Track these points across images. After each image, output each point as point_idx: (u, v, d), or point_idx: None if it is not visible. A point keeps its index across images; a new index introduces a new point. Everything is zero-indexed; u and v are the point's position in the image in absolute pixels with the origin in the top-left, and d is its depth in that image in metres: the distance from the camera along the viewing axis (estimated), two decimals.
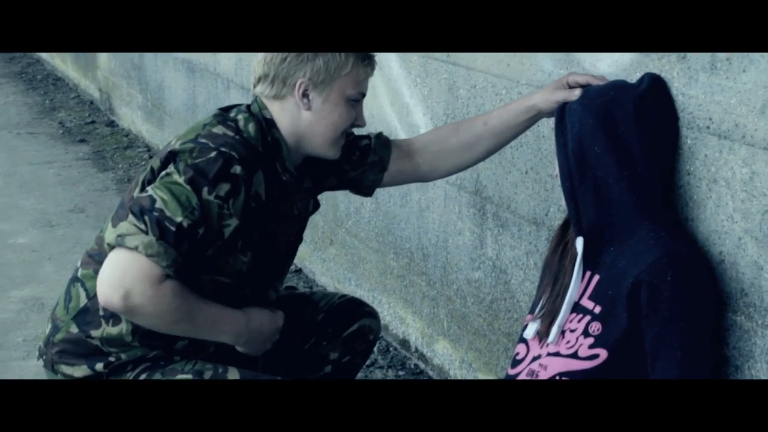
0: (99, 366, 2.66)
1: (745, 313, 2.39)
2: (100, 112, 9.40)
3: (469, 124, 2.92)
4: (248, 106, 2.72)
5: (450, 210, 3.75)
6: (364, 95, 2.75)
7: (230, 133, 2.60)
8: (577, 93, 2.59)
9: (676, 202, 2.56)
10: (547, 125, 3.07)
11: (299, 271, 5.30)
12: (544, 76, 3.07)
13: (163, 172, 2.55)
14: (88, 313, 2.67)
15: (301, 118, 2.67)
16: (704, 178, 2.47)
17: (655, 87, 2.51)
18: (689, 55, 2.47)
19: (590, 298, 2.45)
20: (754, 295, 2.36)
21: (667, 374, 2.34)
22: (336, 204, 4.74)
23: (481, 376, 3.68)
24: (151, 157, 6.73)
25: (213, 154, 2.53)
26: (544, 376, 2.48)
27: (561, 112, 2.56)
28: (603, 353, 2.39)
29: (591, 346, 2.41)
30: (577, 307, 2.47)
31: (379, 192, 4.25)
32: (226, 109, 2.73)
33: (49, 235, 5.84)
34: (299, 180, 2.74)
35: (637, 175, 2.44)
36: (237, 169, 2.52)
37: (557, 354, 2.46)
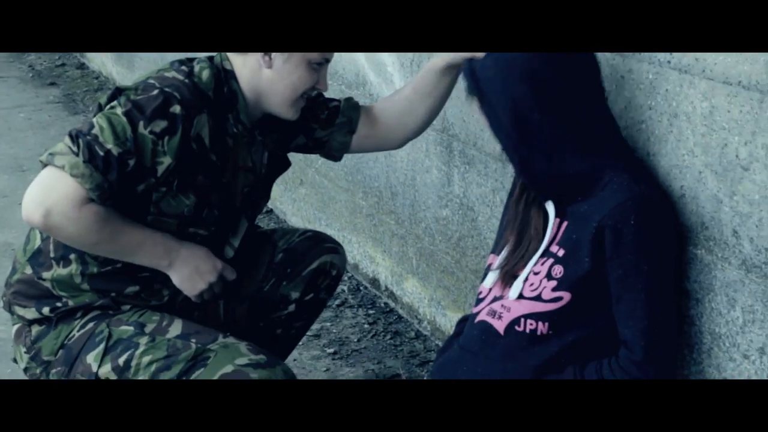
0: (46, 310, 2.69)
1: (705, 247, 2.41)
2: (70, 54, 9.33)
3: (402, 93, 2.95)
4: (211, 57, 2.72)
5: (418, 148, 3.75)
6: (328, 60, 2.72)
7: (180, 77, 2.61)
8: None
9: (638, 138, 2.57)
10: None
11: (270, 211, 5.31)
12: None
13: (108, 106, 2.58)
14: (41, 255, 2.70)
15: (262, 75, 2.66)
16: (665, 112, 2.48)
17: None
18: None
19: (558, 243, 2.46)
20: (714, 228, 2.38)
21: (631, 315, 2.36)
22: None
23: (450, 314, 3.70)
24: None
25: (155, 92, 2.55)
26: (507, 317, 2.49)
27: (473, 78, 2.49)
28: (566, 296, 2.41)
29: (554, 289, 2.43)
30: (544, 252, 2.49)
31: None
32: (190, 59, 2.72)
33: (20, 180, 5.82)
34: (252, 133, 2.74)
35: (582, 127, 2.41)
36: (176, 108, 2.53)
37: (521, 296, 2.48)
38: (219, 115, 2.64)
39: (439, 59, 2.81)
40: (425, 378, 3.63)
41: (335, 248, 3.10)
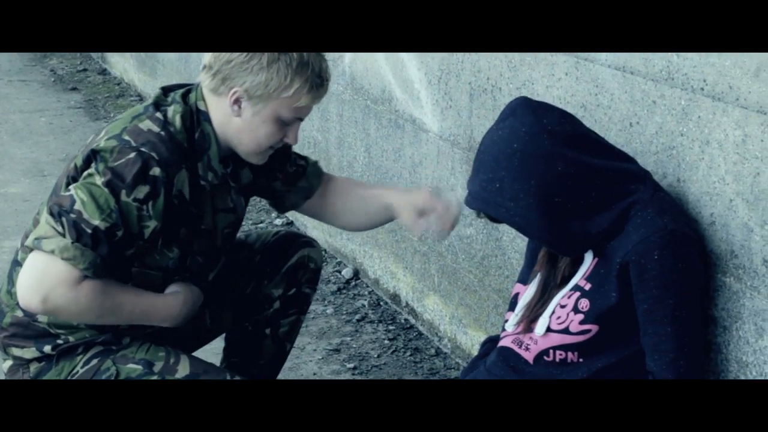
0: (47, 348, 2.67)
1: (735, 275, 2.41)
2: (92, 60, 9.36)
3: (359, 191, 2.99)
4: (186, 93, 2.67)
5: (443, 165, 3.75)
6: (301, 119, 2.67)
7: (155, 129, 2.56)
8: (432, 220, 2.71)
9: (668, 164, 2.56)
10: (541, 81, 3.08)
11: (290, 223, 5.31)
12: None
13: (86, 172, 2.54)
14: None
15: (231, 122, 2.61)
16: (697, 139, 2.48)
17: (526, 105, 2.44)
18: None
19: (586, 278, 2.46)
20: (744, 256, 2.38)
21: (657, 348, 2.37)
22: (329, 158, 4.74)
23: (471, 332, 3.70)
24: None
25: (132, 155, 2.50)
26: (535, 349, 2.50)
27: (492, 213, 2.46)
28: (594, 328, 2.42)
29: (582, 322, 2.43)
30: (572, 287, 2.48)
31: (372, 146, 4.26)
32: (168, 90, 2.69)
33: (41, 185, 5.82)
34: (225, 179, 2.69)
35: (597, 184, 2.39)
36: (156, 171, 2.50)
37: (548, 330, 2.48)
38: (194, 166, 2.61)
39: (397, 203, 2.87)
40: None
41: (310, 242, 3.11)
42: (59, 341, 2.66)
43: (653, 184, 2.45)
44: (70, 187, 2.53)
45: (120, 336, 2.69)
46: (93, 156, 2.55)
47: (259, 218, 5.45)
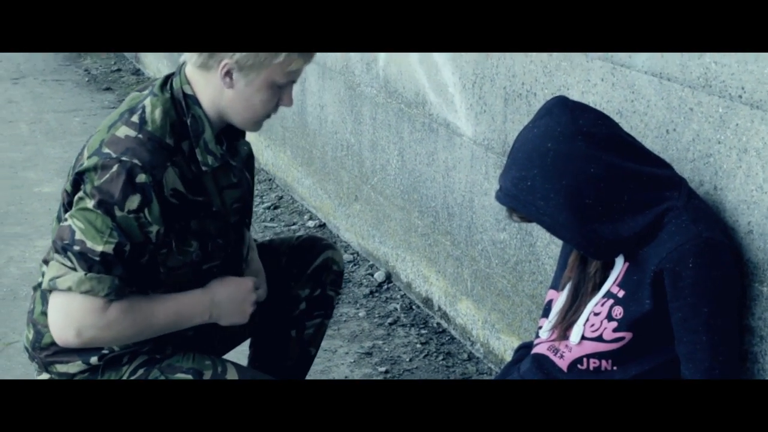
0: (93, 359, 2.65)
1: None
2: (125, 59, 9.40)
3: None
4: (165, 81, 2.63)
5: (477, 170, 3.75)
6: (294, 81, 2.64)
7: (132, 134, 2.53)
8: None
9: (705, 171, 2.55)
10: (577, 87, 3.06)
11: (323, 225, 5.31)
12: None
13: (76, 197, 2.53)
14: None
15: (224, 94, 2.58)
16: (735, 147, 2.46)
17: (563, 104, 2.43)
18: None
19: (618, 284, 2.44)
20: None
21: (692, 357, 2.35)
22: (362, 160, 4.74)
23: (504, 337, 3.69)
24: None
25: (115, 167, 2.47)
26: (569, 356, 2.49)
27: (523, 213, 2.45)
28: (628, 335, 2.41)
29: (615, 330, 2.42)
30: (605, 293, 2.47)
31: (405, 150, 4.26)
32: (142, 89, 2.67)
33: None
34: (224, 158, 2.66)
35: (631, 186, 2.37)
36: (142, 177, 2.47)
37: (582, 338, 2.47)
38: (184, 155, 2.58)
39: None
40: None
41: (332, 245, 3.12)
42: (104, 351, 2.65)
43: (688, 191, 2.43)
44: (66, 216, 2.53)
45: (163, 345, 2.69)
46: (80, 179, 2.53)
47: (292, 220, 5.46)
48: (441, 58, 3.91)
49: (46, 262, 2.70)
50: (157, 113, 2.56)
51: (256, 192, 5.85)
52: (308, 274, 3.04)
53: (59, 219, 2.66)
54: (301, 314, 3.04)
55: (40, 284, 2.72)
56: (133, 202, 2.47)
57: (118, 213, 2.47)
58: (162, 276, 2.62)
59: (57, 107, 7.79)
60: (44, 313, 2.68)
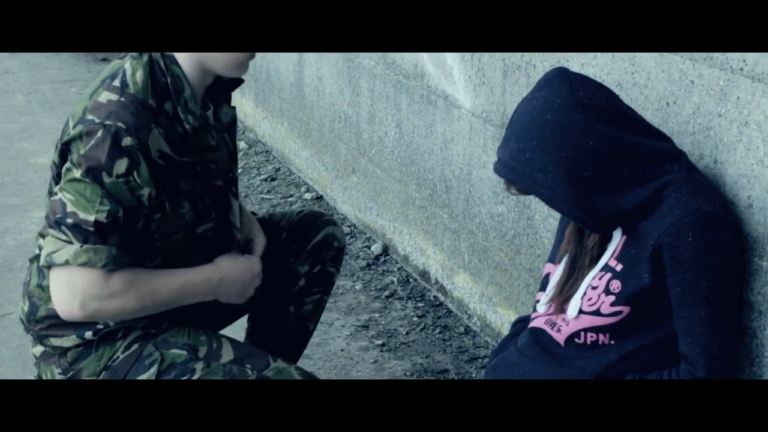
0: (88, 334, 2.63)
1: None
2: None
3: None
4: None
5: (475, 143, 3.72)
6: None
7: (114, 98, 2.49)
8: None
9: (705, 145, 2.53)
10: (577, 59, 3.04)
11: (320, 197, 5.29)
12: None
13: (63, 169, 2.51)
14: None
15: None
16: (735, 120, 2.44)
17: (563, 75, 2.40)
18: None
19: (616, 257, 2.43)
20: None
21: (690, 332, 2.33)
22: (359, 132, 4.72)
23: (501, 311, 3.67)
24: None
25: (100, 132, 2.45)
26: (566, 330, 2.47)
27: (519, 183, 2.42)
28: (625, 309, 2.39)
29: (613, 304, 2.40)
30: (602, 267, 2.45)
31: (403, 122, 4.24)
32: (122, 57, 2.64)
33: None
34: (204, 118, 2.63)
35: (630, 160, 2.35)
36: (128, 140, 2.45)
37: (580, 312, 2.45)
38: (167, 116, 2.55)
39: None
40: (475, 377, 3.61)
41: (333, 220, 3.10)
42: (99, 326, 2.63)
43: (688, 165, 2.41)
44: (56, 190, 2.51)
45: (158, 320, 2.68)
46: (67, 149, 2.51)
47: (289, 192, 5.44)
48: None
49: (42, 235, 2.68)
50: (138, 75, 2.53)
51: (252, 164, 5.85)
52: (308, 250, 3.02)
53: (50, 193, 2.64)
54: (300, 290, 3.02)
55: (36, 256, 2.70)
56: (121, 165, 2.45)
57: (106, 179, 2.44)
58: (158, 243, 2.59)
59: (53, 77, 7.76)
60: (39, 286, 2.67)
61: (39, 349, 2.71)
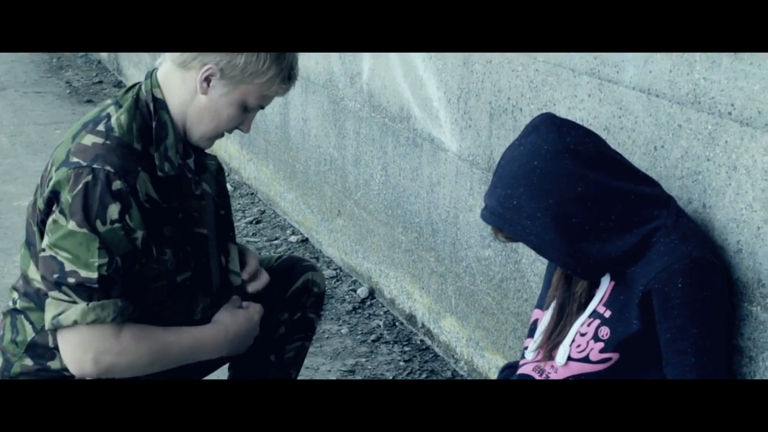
0: None
1: (762, 304, 2.36)
2: (107, 72, 9.35)
3: None
4: (128, 90, 2.60)
5: (461, 186, 3.71)
6: (263, 107, 2.65)
7: (99, 141, 2.47)
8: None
9: (694, 189, 2.51)
10: (564, 102, 3.03)
11: (305, 241, 5.26)
12: (562, 53, 3.02)
13: (50, 220, 2.45)
14: (38, 347, 2.60)
15: (195, 99, 2.55)
16: (724, 165, 2.42)
17: (550, 121, 2.39)
18: None
19: (604, 304, 2.41)
20: None
21: (681, 378, 2.31)
22: (345, 175, 4.70)
23: (488, 356, 3.65)
24: None
25: (89, 178, 2.41)
26: (555, 377, 2.45)
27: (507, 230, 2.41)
28: (614, 356, 2.38)
29: (602, 350, 2.38)
30: (591, 313, 2.43)
31: (389, 165, 4.22)
32: (102, 110, 2.62)
33: None
34: (181, 168, 2.60)
35: (619, 205, 2.34)
36: (117, 184, 2.42)
37: (569, 359, 2.43)
38: (152, 161, 2.53)
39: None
40: None
41: (312, 266, 3.07)
42: None
43: (677, 210, 2.39)
44: (45, 246, 2.46)
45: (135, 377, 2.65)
46: (53, 197, 2.46)
47: (274, 235, 5.41)
48: (426, 73, 3.87)
49: (15, 289, 2.65)
50: (123, 119, 2.52)
51: (237, 206, 5.82)
52: (287, 297, 2.98)
53: (28, 244, 2.59)
54: (281, 338, 2.98)
55: (10, 311, 2.66)
56: (114, 211, 2.42)
57: (101, 228, 2.41)
58: (149, 301, 2.57)
59: (38, 119, 7.73)
60: (14, 342, 2.63)
61: None
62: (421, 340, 4.17)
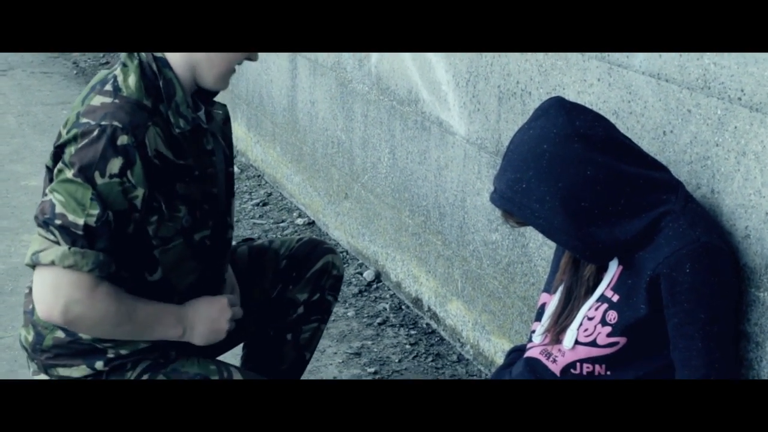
0: (99, 364, 2.60)
1: None
2: (114, 52, 9.34)
3: None
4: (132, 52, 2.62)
5: (469, 170, 3.71)
6: None
7: (108, 100, 2.48)
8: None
9: (702, 174, 2.51)
10: (573, 86, 3.03)
11: (312, 223, 5.27)
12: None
13: (56, 169, 2.47)
14: None
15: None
16: (733, 150, 2.42)
17: (560, 105, 2.39)
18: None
19: (612, 288, 2.41)
20: None
21: (687, 364, 2.32)
22: (353, 158, 4.70)
23: (495, 339, 3.65)
24: None
25: (95, 132, 2.42)
26: (562, 361, 2.45)
27: (516, 213, 2.40)
28: (622, 340, 2.38)
29: (609, 335, 2.38)
30: (599, 297, 2.43)
31: (397, 148, 4.22)
32: (109, 66, 2.64)
33: None
34: (197, 122, 2.62)
35: (627, 190, 2.34)
36: (123, 139, 2.42)
37: (576, 342, 2.43)
38: (163, 117, 2.54)
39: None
40: None
41: (332, 248, 3.09)
42: (110, 355, 2.60)
43: (685, 195, 2.39)
44: (47, 190, 2.48)
45: (167, 349, 2.65)
46: (59, 151, 2.48)
47: (281, 217, 5.41)
48: (434, 56, 3.87)
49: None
50: (131, 79, 2.52)
51: (244, 188, 5.82)
52: (308, 278, 3.00)
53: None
54: (299, 318, 3.00)
55: None
56: (115, 165, 2.42)
57: (99, 180, 2.41)
58: (157, 253, 2.56)
59: (45, 100, 7.73)
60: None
61: (43, 378, 2.67)
62: (427, 324, 4.17)
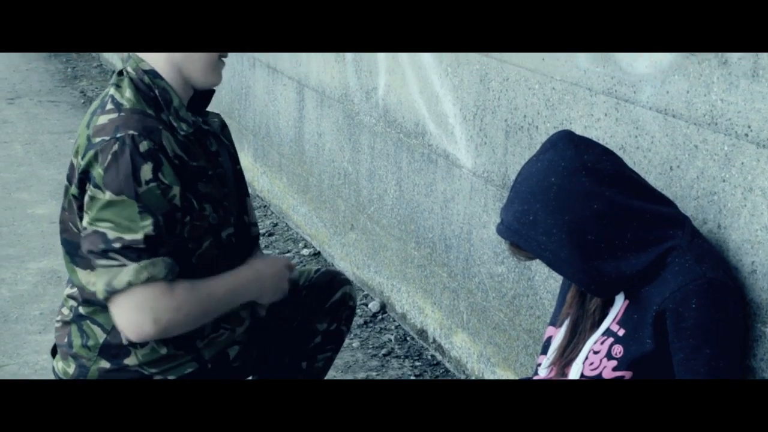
0: None
1: None
2: None
3: None
4: (120, 73, 2.65)
5: (475, 202, 3.72)
6: None
7: (114, 116, 2.52)
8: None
9: (709, 209, 2.52)
10: (580, 121, 3.04)
11: (318, 254, 5.28)
12: (579, 72, 3.03)
13: (86, 198, 2.49)
14: (112, 347, 2.63)
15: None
16: (740, 186, 2.44)
17: (568, 139, 2.40)
18: (730, 60, 2.43)
19: (618, 322, 2.42)
20: None
21: None
22: (359, 189, 4.71)
23: (500, 371, 3.65)
24: None
25: (116, 146, 2.45)
26: None
27: (524, 246, 2.40)
28: (627, 374, 2.38)
29: (615, 369, 2.39)
30: (605, 331, 2.44)
31: (404, 180, 4.23)
32: (103, 95, 2.68)
33: None
34: (198, 125, 2.66)
35: (634, 224, 2.34)
36: (144, 144, 2.46)
37: (581, 375, 2.44)
38: (167, 125, 2.57)
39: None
40: None
41: (349, 280, 3.14)
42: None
43: (692, 230, 2.40)
44: (85, 225, 2.49)
45: (204, 363, 2.68)
46: (84, 176, 2.50)
47: (286, 248, 5.42)
48: (442, 89, 3.89)
49: (72, 297, 2.67)
50: (128, 93, 2.57)
51: None
52: (327, 308, 3.04)
53: (69, 255, 2.62)
54: (315, 347, 3.03)
55: (75, 317, 2.67)
56: (147, 171, 2.46)
57: (138, 190, 2.44)
58: (194, 260, 2.60)
59: (52, 128, 7.76)
60: (85, 346, 2.64)
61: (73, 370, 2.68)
62: (432, 355, 4.17)
